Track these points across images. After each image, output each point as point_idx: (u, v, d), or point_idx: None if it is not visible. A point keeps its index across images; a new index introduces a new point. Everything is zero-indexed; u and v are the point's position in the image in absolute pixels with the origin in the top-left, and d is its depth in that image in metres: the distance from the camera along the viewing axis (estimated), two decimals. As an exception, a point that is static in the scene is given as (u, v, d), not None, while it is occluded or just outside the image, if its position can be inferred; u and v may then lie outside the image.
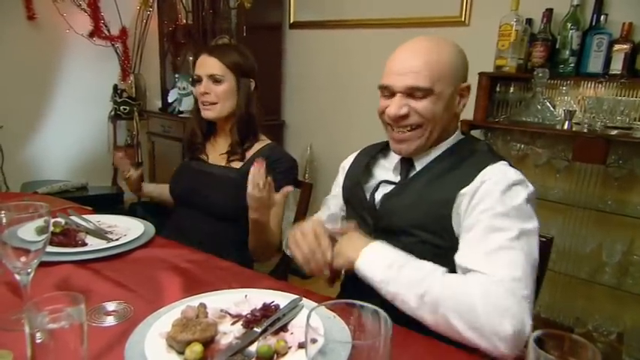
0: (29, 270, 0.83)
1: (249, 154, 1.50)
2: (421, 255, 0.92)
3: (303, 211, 1.59)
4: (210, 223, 1.45)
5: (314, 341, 0.61)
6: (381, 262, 0.89)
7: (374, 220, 1.07)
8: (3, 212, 0.81)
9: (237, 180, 1.45)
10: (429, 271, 0.87)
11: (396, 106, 1.01)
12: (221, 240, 1.42)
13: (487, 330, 0.77)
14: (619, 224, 1.82)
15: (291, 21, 2.95)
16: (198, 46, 2.96)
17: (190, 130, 1.58)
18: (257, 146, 1.52)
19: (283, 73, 3.03)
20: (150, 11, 3.36)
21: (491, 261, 0.85)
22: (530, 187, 0.97)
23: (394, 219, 1.03)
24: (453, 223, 0.97)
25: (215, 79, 1.45)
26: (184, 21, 3.14)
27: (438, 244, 0.98)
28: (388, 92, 1.04)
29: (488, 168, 0.97)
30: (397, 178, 1.10)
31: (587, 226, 1.90)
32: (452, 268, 0.90)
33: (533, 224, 0.91)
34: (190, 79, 2.93)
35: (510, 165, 1.01)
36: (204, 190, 1.46)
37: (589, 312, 1.92)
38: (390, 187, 1.08)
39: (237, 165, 1.49)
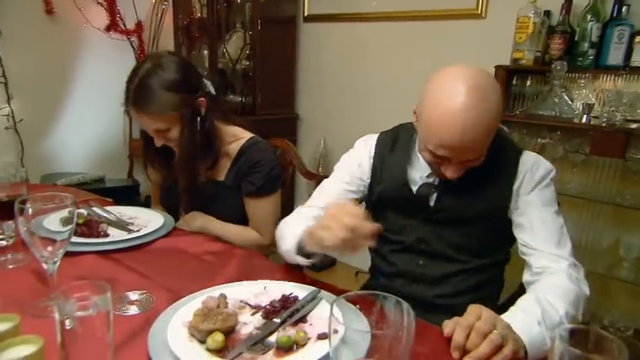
0: (55, 259, 0.85)
1: (227, 160, 1.39)
2: (480, 242, 1.10)
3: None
4: None
5: (335, 332, 0.62)
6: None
7: (426, 214, 1.12)
8: (29, 203, 0.83)
9: (224, 191, 1.39)
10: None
11: (452, 172, 1.01)
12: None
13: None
14: (638, 219, 1.80)
15: (306, 14, 2.94)
16: (213, 39, 2.98)
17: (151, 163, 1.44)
18: (235, 147, 1.38)
19: (297, 67, 3.03)
20: (165, 5, 3.37)
21: (561, 245, 1.03)
22: (553, 168, 1.11)
23: (456, 211, 1.09)
24: (511, 210, 1.08)
25: (162, 133, 1.27)
26: (199, 14, 3.15)
27: (498, 230, 1.10)
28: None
29: (523, 159, 1.08)
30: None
31: (604, 220, 1.88)
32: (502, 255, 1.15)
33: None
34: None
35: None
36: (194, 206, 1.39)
37: (605, 307, 1.90)
38: (437, 183, 1.11)
39: (220, 176, 1.40)
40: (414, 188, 1.13)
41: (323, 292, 0.91)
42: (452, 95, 0.93)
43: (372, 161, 1.20)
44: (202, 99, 1.29)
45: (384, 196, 1.18)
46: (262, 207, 1.40)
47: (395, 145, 1.19)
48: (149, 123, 1.26)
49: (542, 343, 0.83)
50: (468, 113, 0.92)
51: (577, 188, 1.91)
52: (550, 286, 0.96)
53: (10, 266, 1.04)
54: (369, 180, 1.20)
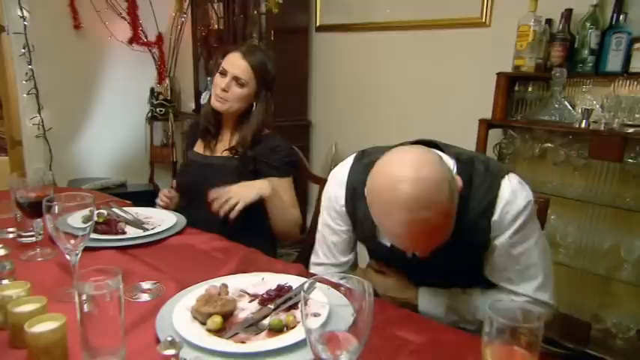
0: (77, 252, 0.97)
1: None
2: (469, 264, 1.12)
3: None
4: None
5: (317, 315, 0.70)
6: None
7: (407, 261, 1.08)
8: (56, 203, 0.95)
9: (239, 168, 1.54)
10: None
11: (420, 254, 0.99)
12: (234, 229, 1.40)
13: None
14: (638, 221, 1.82)
15: (318, 24, 3.05)
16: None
17: (204, 117, 1.64)
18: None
19: (310, 75, 3.14)
20: (184, 18, 3.54)
21: (521, 284, 1.06)
22: (531, 200, 1.03)
23: (437, 258, 0.99)
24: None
25: (239, 82, 1.52)
26: (216, 26, 3.29)
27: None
28: None
29: (501, 204, 1.01)
30: None
31: (604, 222, 1.91)
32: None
33: (539, 230, 1.09)
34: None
35: (506, 176, 1.04)
36: (209, 182, 1.48)
37: (608, 309, 1.93)
38: None
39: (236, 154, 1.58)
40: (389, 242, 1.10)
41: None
42: (392, 209, 0.86)
43: (344, 209, 1.18)
44: (270, 93, 1.61)
45: (361, 239, 1.23)
46: (285, 187, 1.56)
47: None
48: (239, 68, 1.52)
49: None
50: (412, 230, 0.87)
51: (578, 191, 1.95)
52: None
53: (39, 259, 1.17)
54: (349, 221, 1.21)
